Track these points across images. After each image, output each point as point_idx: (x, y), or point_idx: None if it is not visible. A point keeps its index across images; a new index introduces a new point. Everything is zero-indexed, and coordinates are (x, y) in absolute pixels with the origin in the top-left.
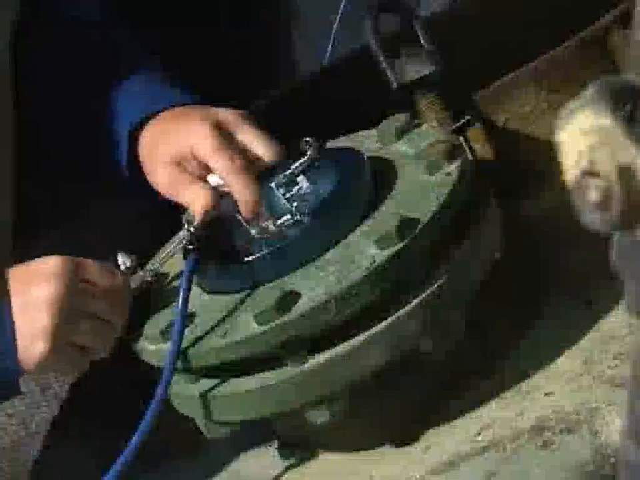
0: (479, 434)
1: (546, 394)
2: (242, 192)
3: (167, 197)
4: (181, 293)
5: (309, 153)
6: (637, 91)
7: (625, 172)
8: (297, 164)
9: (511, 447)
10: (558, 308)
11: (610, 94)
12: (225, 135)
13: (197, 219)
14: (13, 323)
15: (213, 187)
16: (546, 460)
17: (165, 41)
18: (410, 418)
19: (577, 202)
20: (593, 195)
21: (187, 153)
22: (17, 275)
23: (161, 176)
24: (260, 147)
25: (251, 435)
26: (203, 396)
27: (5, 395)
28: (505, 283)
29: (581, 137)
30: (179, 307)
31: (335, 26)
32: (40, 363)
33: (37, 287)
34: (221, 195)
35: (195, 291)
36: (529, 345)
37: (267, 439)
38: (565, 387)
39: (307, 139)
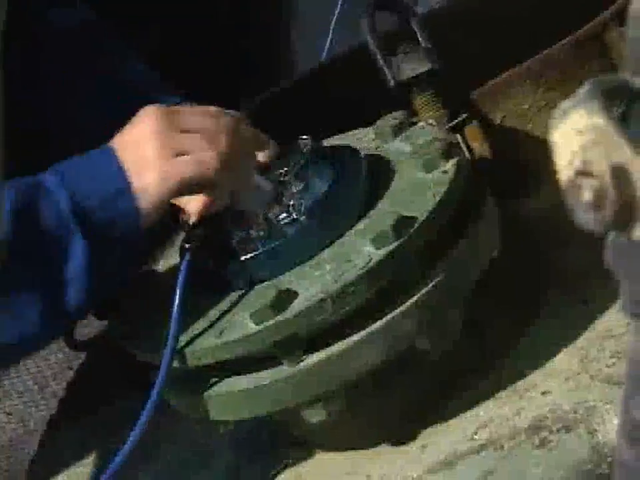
0: (476, 433)
1: (543, 393)
2: None
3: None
4: (176, 300)
5: (305, 151)
6: (631, 89)
7: (618, 171)
8: (294, 162)
9: (508, 446)
10: (555, 307)
11: (603, 93)
12: None
13: (193, 219)
14: (121, 162)
15: None
16: (543, 459)
17: (165, 40)
18: (407, 417)
19: (570, 202)
20: (587, 195)
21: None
22: (120, 143)
23: None
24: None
25: (247, 434)
26: (199, 395)
27: (132, 240)
28: (503, 282)
29: (574, 137)
30: (174, 311)
31: (332, 24)
32: (153, 194)
33: (138, 125)
34: None
35: (191, 289)
36: (527, 343)
37: (263, 438)
38: (562, 385)
39: (304, 136)
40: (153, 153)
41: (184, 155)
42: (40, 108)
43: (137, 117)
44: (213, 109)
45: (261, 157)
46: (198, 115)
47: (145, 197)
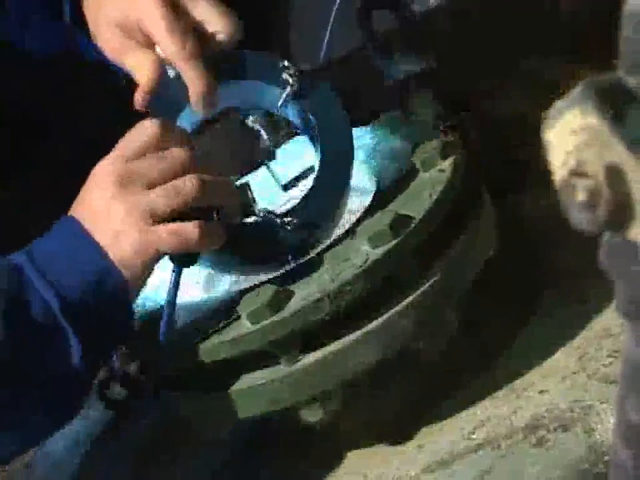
0: (473, 432)
1: (540, 392)
2: (194, 82)
3: (114, 62)
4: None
5: (291, 82)
6: (624, 89)
7: (612, 172)
8: (283, 95)
9: (505, 445)
10: (552, 306)
11: (597, 93)
12: (176, 10)
13: (142, 87)
14: (95, 241)
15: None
16: (540, 458)
17: None
18: (404, 416)
19: (564, 202)
20: (581, 195)
21: (133, 23)
22: (84, 217)
23: (106, 39)
24: (216, 23)
25: (245, 434)
26: (196, 396)
27: (122, 318)
28: (500, 282)
29: (568, 137)
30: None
31: (330, 23)
32: (135, 265)
33: (96, 192)
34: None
35: (188, 288)
36: (524, 343)
37: (261, 438)
38: (559, 384)
39: (286, 64)
40: (123, 221)
41: (154, 211)
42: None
43: (91, 182)
44: (153, 134)
45: (223, 35)
46: (146, 160)
47: (127, 271)
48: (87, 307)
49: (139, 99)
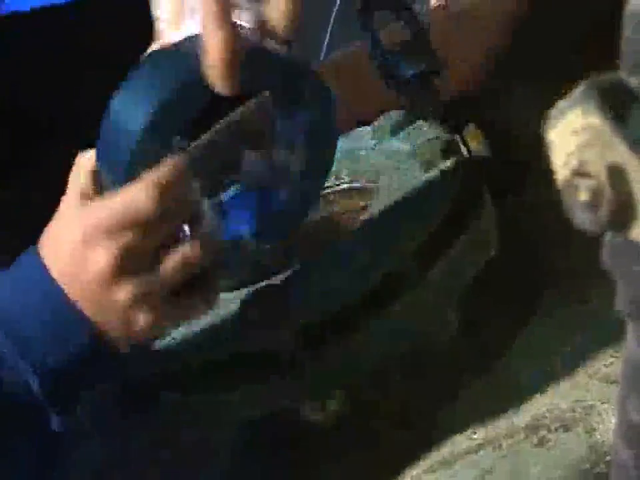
0: (474, 432)
1: (541, 392)
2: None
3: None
4: None
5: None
6: (627, 89)
7: (614, 172)
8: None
9: (506, 445)
10: (553, 306)
11: (599, 93)
12: None
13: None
14: (77, 308)
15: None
16: (541, 458)
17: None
18: (404, 416)
19: (567, 202)
20: (583, 195)
21: None
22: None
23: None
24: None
25: (246, 435)
26: (195, 397)
27: (115, 377)
28: (500, 282)
29: (570, 137)
30: None
31: (331, 23)
32: (150, 332)
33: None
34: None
35: None
36: (524, 342)
37: (262, 439)
38: (560, 384)
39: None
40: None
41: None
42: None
43: (60, 236)
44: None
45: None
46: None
47: (117, 342)
48: (74, 382)
49: (223, 75)
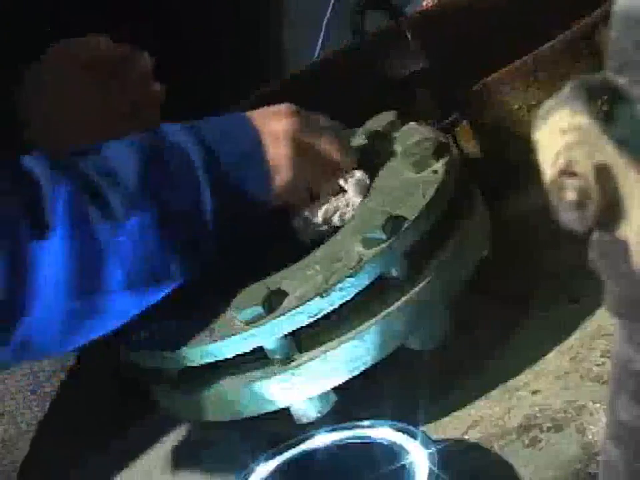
0: (467, 432)
1: (533, 392)
2: None
3: None
4: None
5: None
6: (614, 88)
7: (602, 171)
8: None
9: (498, 445)
10: (545, 306)
11: (586, 92)
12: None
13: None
14: (264, 153)
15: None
16: (533, 458)
17: (155, 39)
18: (398, 416)
19: (554, 201)
20: (570, 195)
21: None
22: (255, 115)
23: None
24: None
25: (240, 434)
26: (190, 397)
27: (253, 214)
28: (493, 282)
29: (557, 136)
30: None
31: (324, 23)
32: (279, 191)
33: (277, 121)
34: None
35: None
36: (517, 343)
37: (256, 438)
38: (552, 385)
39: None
40: (287, 152)
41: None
42: None
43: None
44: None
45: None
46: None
47: (277, 174)
48: (230, 176)
49: None
